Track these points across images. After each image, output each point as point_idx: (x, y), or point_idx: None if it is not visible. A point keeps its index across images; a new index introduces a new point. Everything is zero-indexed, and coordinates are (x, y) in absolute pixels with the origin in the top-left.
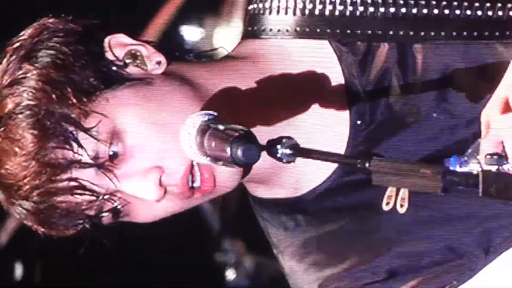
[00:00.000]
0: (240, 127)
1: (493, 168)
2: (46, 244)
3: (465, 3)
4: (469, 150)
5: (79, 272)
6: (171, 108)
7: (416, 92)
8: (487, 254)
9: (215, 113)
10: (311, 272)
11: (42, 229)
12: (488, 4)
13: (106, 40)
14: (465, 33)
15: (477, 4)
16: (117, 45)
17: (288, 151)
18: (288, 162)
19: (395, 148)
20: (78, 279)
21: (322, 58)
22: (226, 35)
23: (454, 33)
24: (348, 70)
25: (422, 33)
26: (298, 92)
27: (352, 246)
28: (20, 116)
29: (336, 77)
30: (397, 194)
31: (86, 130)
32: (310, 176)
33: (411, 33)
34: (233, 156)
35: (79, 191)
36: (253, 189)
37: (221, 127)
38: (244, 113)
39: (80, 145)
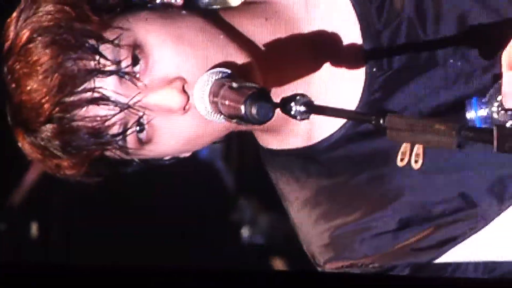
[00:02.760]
0: (254, 84)
1: (508, 123)
2: (62, 203)
3: None
4: (491, 91)
5: (94, 231)
6: (191, 26)
7: (433, 38)
8: (500, 202)
9: (229, 71)
10: (321, 222)
11: (66, 156)
12: None
13: None
14: None
15: None
16: None
17: (302, 108)
18: (302, 119)
19: (411, 95)
20: (93, 238)
21: (337, 5)
22: None
23: None
24: (364, 16)
25: None
26: (313, 38)
27: (364, 196)
28: (39, 38)
29: (352, 24)
30: (411, 150)
31: (108, 40)
32: (325, 124)
33: None
34: (247, 114)
35: (102, 102)
36: (264, 140)
37: (234, 84)
38: (258, 62)
39: (101, 54)
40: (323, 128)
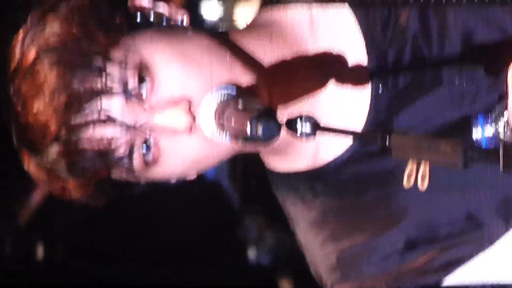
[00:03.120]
0: (259, 103)
1: None
2: (68, 224)
3: None
4: (496, 110)
5: (98, 253)
6: (197, 46)
7: (438, 57)
8: (507, 223)
9: (235, 91)
10: (328, 244)
11: (71, 178)
12: None
13: (128, 2)
14: None
15: None
16: (139, 6)
17: (308, 128)
18: (308, 139)
19: (417, 114)
20: (97, 260)
21: (342, 24)
22: (245, 14)
23: None
24: (369, 35)
25: None
26: (318, 59)
27: (371, 216)
28: (45, 58)
29: (357, 43)
30: (417, 171)
31: (114, 60)
32: (331, 145)
33: None
34: (253, 134)
35: (108, 123)
36: (270, 162)
37: (240, 104)
38: (264, 82)
39: (107, 74)
40: (329, 149)
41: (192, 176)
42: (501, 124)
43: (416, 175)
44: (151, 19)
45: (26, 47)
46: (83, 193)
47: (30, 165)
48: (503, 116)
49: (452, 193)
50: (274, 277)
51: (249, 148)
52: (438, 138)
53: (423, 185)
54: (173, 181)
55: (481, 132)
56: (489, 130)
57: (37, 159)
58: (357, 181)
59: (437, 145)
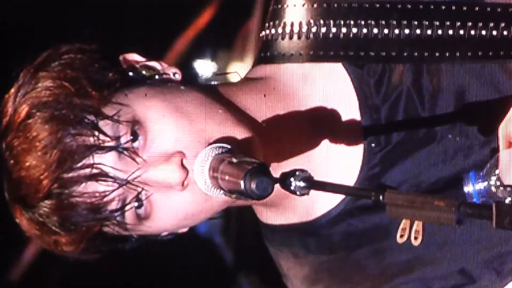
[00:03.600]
0: (253, 160)
1: (507, 200)
2: (60, 281)
3: (480, 23)
4: (487, 165)
5: None
6: (190, 101)
7: (431, 113)
8: (500, 278)
9: (229, 146)
10: None
11: (64, 233)
12: (503, 24)
13: (120, 57)
14: (480, 53)
15: (492, 24)
16: (132, 61)
17: (301, 183)
18: (302, 194)
19: (409, 170)
20: None
21: (335, 81)
22: (239, 70)
23: (469, 54)
24: (362, 91)
25: (437, 54)
26: (311, 114)
27: (364, 271)
28: (37, 113)
29: (350, 99)
30: (411, 226)
31: (107, 116)
32: (324, 199)
33: (426, 54)
34: (247, 189)
35: (101, 178)
36: (263, 215)
37: (234, 160)
38: (258, 137)
39: (100, 130)
40: (322, 203)
41: (184, 229)
42: (492, 179)
43: (410, 232)
44: (144, 74)
45: (18, 102)
46: (76, 247)
47: (23, 220)
48: (494, 172)
49: (445, 248)
50: None
51: (242, 201)
52: (431, 196)
53: (416, 241)
54: (165, 234)
55: (472, 187)
56: (480, 186)
57: (29, 214)
58: (350, 236)
59: (431, 201)
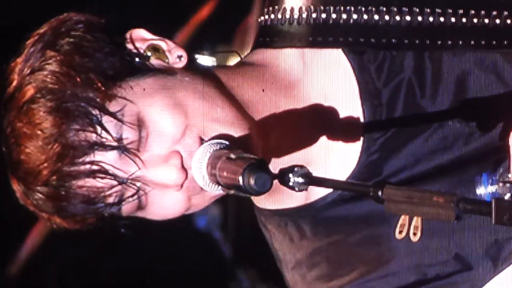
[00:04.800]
0: (252, 155)
1: (507, 196)
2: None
3: (483, 12)
4: (501, 169)
5: None
6: (192, 98)
7: (432, 100)
8: (496, 265)
9: (227, 142)
10: (317, 284)
11: (58, 220)
12: (506, 13)
13: (128, 34)
14: (483, 42)
15: (495, 13)
16: (138, 39)
17: (300, 179)
18: (300, 190)
19: (409, 156)
20: None
21: (335, 67)
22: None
23: (472, 42)
24: (362, 77)
25: (439, 42)
26: (311, 102)
27: (360, 256)
28: (42, 100)
29: (351, 85)
30: (410, 222)
31: (112, 113)
32: None
33: (428, 41)
34: (245, 185)
35: (101, 175)
36: (260, 201)
37: (232, 156)
38: (257, 133)
39: (104, 128)
40: (319, 188)
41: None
42: (506, 184)
43: (409, 227)
44: (149, 58)
45: (24, 79)
46: (70, 227)
47: (19, 191)
48: (507, 176)
49: (442, 235)
50: None
51: None
52: (430, 191)
53: (415, 237)
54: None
55: (484, 189)
56: (492, 188)
57: (25, 191)
58: (346, 221)
59: (429, 197)
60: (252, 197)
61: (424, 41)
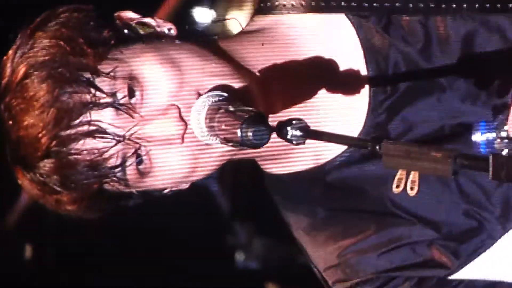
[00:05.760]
0: (250, 108)
1: (504, 152)
2: (56, 226)
3: None
4: (500, 117)
5: (87, 254)
6: (186, 53)
7: (438, 60)
8: (506, 221)
9: (226, 94)
10: (329, 244)
11: (65, 191)
12: None
13: (115, 15)
14: (488, 5)
15: None
16: (126, 19)
17: (298, 133)
18: (298, 144)
19: (416, 117)
20: (86, 261)
21: (339, 32)
22: (237, 18)
23: (476, 5)
24: (367, 40)
25: (444, 6)
26: (315, 66)
27: (370, 216)
28: (35, 73)
29: (355, 49)
30: (407, 177)
31: (103, 73)
32: (329, 147)
33: (432, 5)
34: (243, 137)
35: (99, 134)
36: (268, 167)
37: (231, 108)
38: (256, 87)
39: (96, 87)
40: (328, 151)
41: (185, 185)
42: (502, 134)
43: (406, 181)
44: (138, 31)
45: (15, 63)
46: (78, 206)
47: (24, 181)
48: (504, 126)
49: (446, 195)
50: (262, 283)
51: (243, 154)
52: (428, 146)
53: (412, 191)
54: (166, 191)
55: (480, 137)
56: (489, 136)
57: (30, 174)
58: (355, 183)
59: (427, 152)
60: (260, 164)
61: (428, 5)
